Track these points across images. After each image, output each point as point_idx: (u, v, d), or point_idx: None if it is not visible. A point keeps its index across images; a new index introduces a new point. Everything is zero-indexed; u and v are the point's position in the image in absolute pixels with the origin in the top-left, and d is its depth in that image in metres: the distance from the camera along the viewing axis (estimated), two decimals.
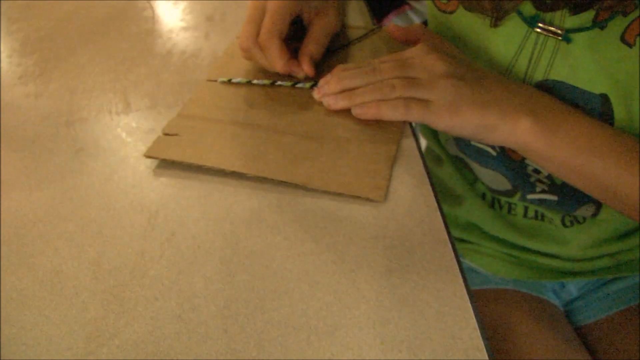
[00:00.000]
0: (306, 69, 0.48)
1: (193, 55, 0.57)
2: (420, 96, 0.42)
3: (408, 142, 0.44)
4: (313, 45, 0.50)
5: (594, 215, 0.55)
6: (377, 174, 0.41)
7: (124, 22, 0.64)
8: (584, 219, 0.56)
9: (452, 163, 0.63)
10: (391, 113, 0.43)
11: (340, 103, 0.45)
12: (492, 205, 0.62)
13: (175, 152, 0.43)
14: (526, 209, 0.59)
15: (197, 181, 0.42)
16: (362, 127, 0.45)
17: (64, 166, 0.46)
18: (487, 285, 0.65)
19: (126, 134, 0.48)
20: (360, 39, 0.54)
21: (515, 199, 0.58)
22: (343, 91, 0.45)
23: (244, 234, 0.38)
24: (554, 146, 0.40)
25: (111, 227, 0.40)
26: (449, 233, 0.38)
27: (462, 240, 0.66)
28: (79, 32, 0.63)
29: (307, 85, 0.49)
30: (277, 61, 0.47)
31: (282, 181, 0.41)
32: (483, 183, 0.60)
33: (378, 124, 0.45)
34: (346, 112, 0.45)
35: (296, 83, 0.49)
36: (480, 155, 0.56)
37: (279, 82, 0.49)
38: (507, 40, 0.46)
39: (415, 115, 0.42)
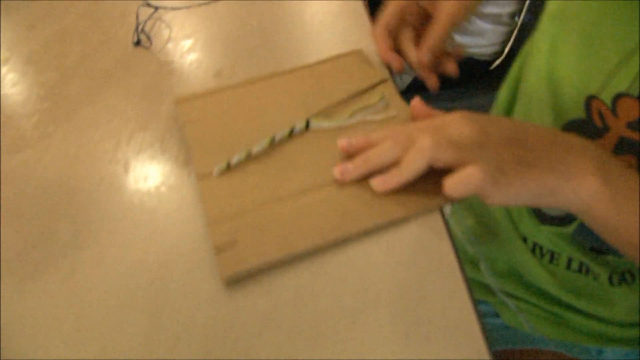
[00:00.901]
0: (420, 57, 0.50)
1: None
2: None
3: None
4: (432, 38, 0.50)
5: None
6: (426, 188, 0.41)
7: (128, 76, 0.60)
8: (633, 277, 0.51)
9: None
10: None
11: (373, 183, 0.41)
12: (532, 251, 0.57)
13: (249, 257, 0.38)
14: (569, 260, 0.55)
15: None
16: None
17: (62, 248, 0.42)
18: (527, 345, 0.60)
19: (127, 209, 0.44)
20: (370, 89, 0.51)
21: (569, 230, 0.52)
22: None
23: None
24: (621, 210, 0.36)
25: (114, 327, 0.36)
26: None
27: (502, 292, 0.61)
28: (82, 88, 0.59)
29: (303, 123, 0.47)
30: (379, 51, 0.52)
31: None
32: (532, 211, 0.55)
33: None
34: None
35: (292, 130, 0.46)
36: None
37: (277, 137, 0.46)
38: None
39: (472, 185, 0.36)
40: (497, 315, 0.63)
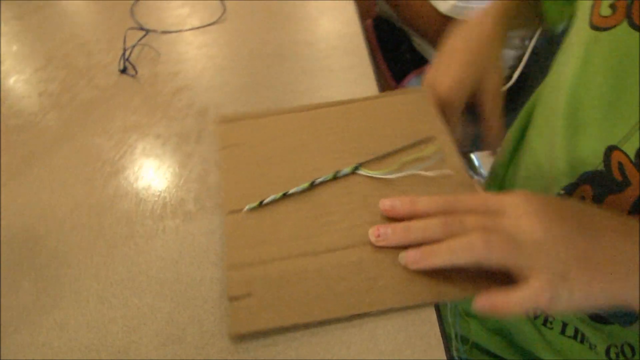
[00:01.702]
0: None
1: (181, 164, 0.50)
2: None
3: None
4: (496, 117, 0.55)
5: None
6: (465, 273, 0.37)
7: (111, 108, 0.57)
8: (633, 351, 0.48)
9: None
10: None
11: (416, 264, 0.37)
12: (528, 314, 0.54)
13: (263, 316, 0.35)
14: (564, 326, 0.52)
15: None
16: None
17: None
18: None
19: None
20: (410, 146, 0.46)
21: None
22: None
23: None
24: None
25: None
26: None
27: (487, 353, 0.58)
28: (62, 121, 0.57)
29: (349, 169, 0.43)
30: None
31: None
32: None
33: None
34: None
35: (337, 173, 0.43)
36: None
37: (318, 180, 0.43)
38: None
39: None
40: None
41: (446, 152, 0.45)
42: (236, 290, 0.37)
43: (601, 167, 0.42)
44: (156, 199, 0.46)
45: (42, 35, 0.71)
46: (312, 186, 0.42)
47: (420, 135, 0.46)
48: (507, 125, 0.65)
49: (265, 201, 0.42)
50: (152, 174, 0.49)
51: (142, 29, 0.68)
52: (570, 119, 0.44)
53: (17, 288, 0.41)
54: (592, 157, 0.43)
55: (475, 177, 1.33)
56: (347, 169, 0.43)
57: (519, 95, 1.08)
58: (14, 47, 0.69)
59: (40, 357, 0.37)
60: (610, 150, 0.41)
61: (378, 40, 1.15)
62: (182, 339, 0.37)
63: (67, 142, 0.54)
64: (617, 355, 0.49)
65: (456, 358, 0.46)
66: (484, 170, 1.38)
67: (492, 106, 0.54)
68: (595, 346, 0.49)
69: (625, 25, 0.38)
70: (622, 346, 0.48)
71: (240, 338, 0.36)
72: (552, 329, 0.52)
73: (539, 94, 0.58)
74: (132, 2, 0.76)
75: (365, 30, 1.13)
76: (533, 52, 1.01)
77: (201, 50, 0.65)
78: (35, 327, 0.39)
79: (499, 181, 0.63)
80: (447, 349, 0.35)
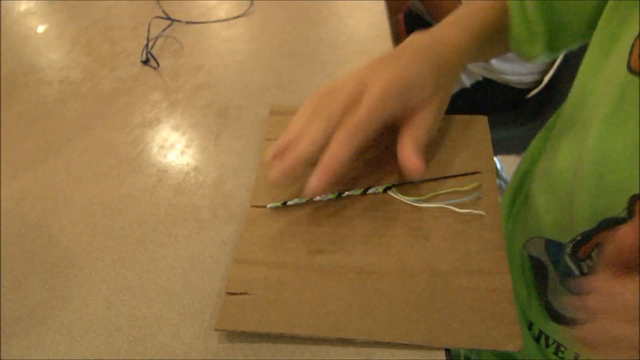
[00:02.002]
0: (418, 166, 0.39)
1: (196, 169, 0.49)
2: None
3: None
4: (414, 139, 0.40)
5: None
6: (505, 316, 0.35)
7: (131, 102, 0.57)
8: None
9: (516, 269, 0.55)
10: None
11: None
12: (537, 339, 0.53)
13: (252, 318, 0.35)
14: (577, 356, 0.50)
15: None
16: (463, 253, 0.38)
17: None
18: None
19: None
20: (452, 177, 0.44)
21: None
22: None
23: None
24: None
25: None
26: None
27: None
28: (80, 112, 0.56)
29: (380, 189, 0.42)
30: (342, 154, 0.37)
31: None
32: (544, 306, 0.51)
33: (474, 246, 0.38)
34: (439, 235, 0.39)
35: (368, 189, 0.42)
36: (567, 269, 0.47)
37: (347, 193, 0.41)
38: None
39: None
40: None
41: (486, 190, 0.42)
42: (235, 286, 0.37)
43: (624, 214, 0.40)
44: (170, 203, 0.46)
45: (70, 18, 0.70)
46: (339, 197, 0.41)
47: (467, 168, 0.44)
48: (532, 133, 0.62)
49: (289, 202, 0.41)
50: (167, 176, 0.48)
51: (168, 18, 0.67)
52: (598, 164, 0.42)
53: (27, 285, 0.41)
54: (616, 203, 0.41)
55: (497, 182, 1.30)
56: (378, 188, 0.42)
57: (546, 101, 1.05)
58: (42, 28, 0.69)
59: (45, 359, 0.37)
60: (635, 199, 0.39)
61: (408, 34, 1.13)
62: (188, 354, 0.36)
63: (84, 134, 0.54)
64: None
65: None
66: (506, 175, 1.35)
67: (410, 138, 0.41)
68: None
69: None
70: None
71: (225, 334, 0.36)
72: (563, 358, 0.51)
73: (559, 120, 0.54)
74: None
75: (396, 24, 1.10)
76: (564, 58, 0.98)
77: (225, 44, 0.64)
78: (42, 328, 0.38)
79: (521, 198, 0.61)
80: None
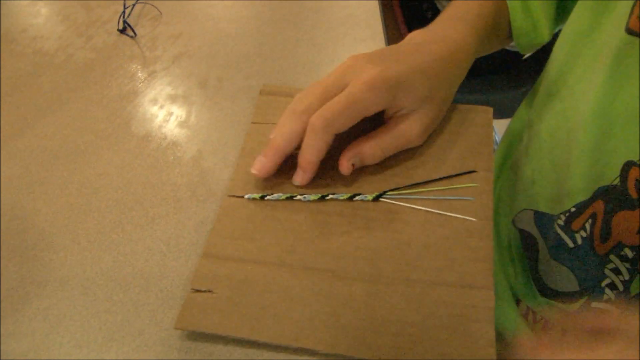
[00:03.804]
0: (344, 166, 0.38)
1: (174, 145, 0.47)
2: None
3: None
4: (372, 146, 0.39)
5: None
6: (481, 337, 0.32)
7: (107, 74, 0.54)
8: None
9: (504, 244, 0.54)
10: None
11: None
12: (525, 315, 0.53)
13: (213, 319, 0.34)
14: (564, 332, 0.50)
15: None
16: (445, 263, 0.36)
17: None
18: None
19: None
20: (450, 177, 0.41)
21: (576, 306, 0.48)
22: None
23: None
24: None
25: None
26: None
27: None
28: (55, 84, 0.54)
29: (370, 197, 0.39)
30: (308, 160, 0.38)
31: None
32: (535, 280, 0.50)
33: (460, 257, 0.36)
34: (420, 237, 0.37)
35: (355, 195, 0.39)
36: (559, 242, 0.46)
37: (331, 196, 0.39)
38: None
39: None
40: None
41: (480, 192, 0.39)
42: (200, 283, 0.36)
43: (617, 182, 0.39)
44: (147, 181, 0.44)
45: None
46: (323, 198, 0.39)
47: (463, 166, 0.41)
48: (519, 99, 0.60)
49: (267, 197, 0.40)
50: (144, 153, 0.46)
51: None
52: (594, 131, 0.40)
53: (1, 270, 0.40)
54: (609, 171, 0.39)
55: None
56: (368, 196, 0.39)
57: (542, 61, 1.03)
58: None
59: (20, 350, 0.36)
60: (629, 165, 0.38)
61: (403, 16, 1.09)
62: (166, 341, 0.35)
63: (59, 108, 0.52)
64: None
65: None
66: (498, 137, 1.34)
67: (368, 146, 0.40)
68: None
69: None
70: None
71: (185, 332, 0.35)
72: (550, 334, 0.50)
73: (541, 88, 0.52)
74: None
75: (393, 5, 1.06)
76: None
77: (205, 10, 0.61)
78: (18, 314, 0.37)
79: (507, 170, 0.59)
80: None
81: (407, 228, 0.38)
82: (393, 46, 0.42)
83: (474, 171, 0.41)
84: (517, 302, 0.52)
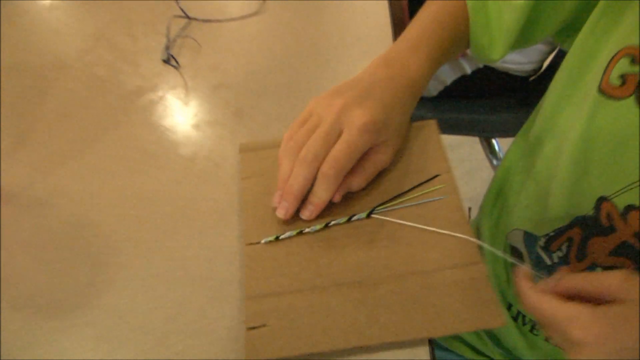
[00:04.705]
0: (337, 198, 0.46)
1: (216, 166, 0.55)
2: None
3: None
4: (359, 179, 0.48)
5: None
6: (487, 300, 0.41)
7: (153, 101, 0.62)
8: None
9: (499, 257, 0.61)
10: None
11: None
12: (515, 318, 0.60)
13: (276, 347, 0.40)
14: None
15: None
16: (439, 253, 0.44)
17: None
18: None
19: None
20: (418, 186, 0.49)
21: None
22: None
23: None
24: None
25: None
26: None
27: (475, 351, 0.65)
28: (109, 108, 0.62)
29: (364, 214, 0.47)
30: (321, 201, 0.46)
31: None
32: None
33: (443, 245, 0.45)
34: (413, 237, 0.45)
35: (352, 217, 0.47)
36: (539, 259, 0.54)
37: (333, 222, 0.47)
38: None
39: None
40: None
41: (448, 190, 0.48)
42: (253, 322, 0.42)
43: (592, 212, 0.46)
44: (192, 197, 0.52)
45: (92, 14, 0.75)
46: (326, 227, 0.47)
47: (428, 174, 0.50)
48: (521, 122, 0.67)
49: (281, 236, 0.46)
50: (189, 172, 0.55)
51: (186, 16, 0.72)
52: (573, 173, 0.48)
53: (76, 270, 0.48)
54: (585, 203, 0.47)
55: (495, 162, 1.36)
56: (362, 214, 0.47)
57: (548, 83, 1.10)
58: (64, 24, 0.74)
59: (94, 335, 0.44)
60: (602, 200, 0.45)
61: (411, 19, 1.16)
62: (212, 332, 0.43)
63: (112, 130, 0.60)
64: None
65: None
66: (502, 153, 1.40)
67: (357, 178, 0.48)
68: None
69: (632, 100, 0.41)
70: None
71: (231, 329, 0.42)
72: (537, 335, 0.58)
73: (533, 130, 0.59)
74: None
75: (400, 10, 1.14)
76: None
77: (239, 44, 0.69)
78: (91, 307, 0.46)
79: (502, 198, 0.66)
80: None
81: (404, 235, 0.46)
82: (366, 81, 0.49)
83: (437, 175, 0.49)
84: (509, 306, 0.60)
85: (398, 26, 1.09)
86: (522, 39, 0.57)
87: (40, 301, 0.46)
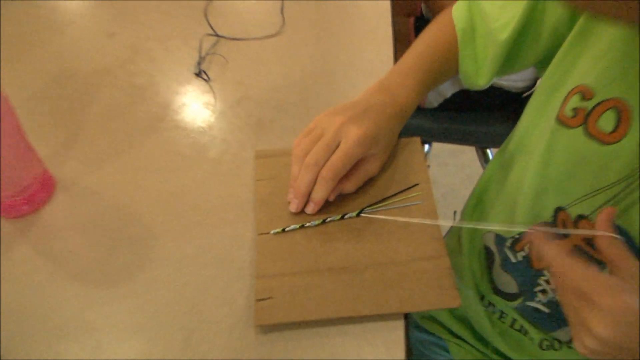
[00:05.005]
0: (331, 197, 0.57)
1: (238, 168, 0.66)
2: None
3: None
4: (351, 184, 0.58)
5: (571, 341, 0.63)
6: (447, 286, 0.52)
7: (185, 108, 0.73)
8: (560, 345, 0.64)
9: (475, 255, 0.71)
10: None
11: None
12: (487, 308, 0.71)
13: (279, 314, 0.51)
14: (514, 320, 0.68)
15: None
16: (413, 247, 0.55)
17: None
18: None
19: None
20: (400, 192, 0.60)
21: (515, 304, 0.66)
22: None
23: None
24: None
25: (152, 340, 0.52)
26: None
27: (451, 333, 0.75)
28: (148, 113, 0.73)
29: (354, 213, 0.58)
30: (320, 198, 0.56)
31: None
32: (489, 282, 0.68)
33: (417, 241, 0.55)
34: (393, 234, 0.56)
35: (344, 215, 0.58)
36: (506, 257, 0.64)
37: (329, 219, 0.58)
38: (620, 170, 0.49)
39: None
40: (447, 351, 0.77)
41: (425, 197, 0.59)
42: (262, 295, 0.52)
43: (551, 220, 0.57)
44: (219, 194, 0.63)
45: (133, 28, 0.86)
46: (324, 222, 0.58)
47: (409, 182, 0.60)
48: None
49: (287, 229, 0.57)
50: (216, 172, 0.65)
51: (216, 35, 0.83)
52: (535, 190, 0.58)
53: (119, 251, 0.59)
54: (545, 213, 0.57)
55: None
56: (353, 213, 0.58)
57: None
58: (106, 36, 0.85)
59: (136, 304, 0.54)
60: (558, 210, 0.56)
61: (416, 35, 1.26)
62: (232, 301, 0.54)
63: (152, 133, 0.71)
64: (547, 346, 0.65)
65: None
66: None
67: (350, 184, 0.58)
68: (533, 339, 0.65)
69: (581, 130, 0.51)
70: (552, 340, 0.64)
71: (262, 328, 0.52)
72: (504, 322, 0.68)
73: (507, 151, 0.69)
74: (206, 2, 0.89)
75: (406, 27, 1.24)
76: None
77: (261, 61, 0.80)
78: (132, 282, 0.56)
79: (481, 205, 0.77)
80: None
81: (385, 231, 0.57)
82: (363, 104, 0.59)
83: (417, 184, 0.60)
84: (482, 297, 0.70)
85: (403, 42, 1.19)
86: (504, 69, 0.67)
87: (91, 275, 0.57)
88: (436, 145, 1.78)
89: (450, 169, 1.87)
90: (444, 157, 1.91)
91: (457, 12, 0.68)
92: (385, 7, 0.87)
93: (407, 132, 1.31)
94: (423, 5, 1.27)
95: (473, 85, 0.69)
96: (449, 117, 1.22)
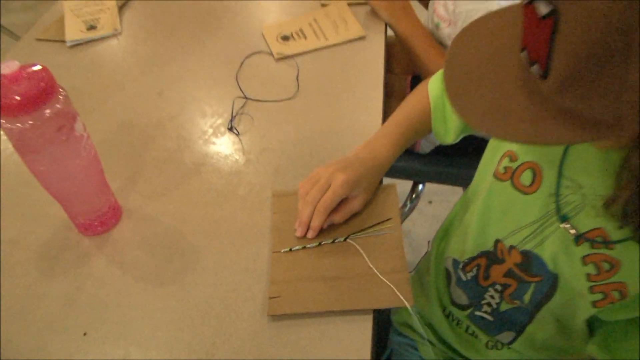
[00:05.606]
0: (324, 225, 0.79)
1: (260, 203, 0.88)
2: None
3: None
4: (339, 216, 0.79)
5: (510, 343, 0.82)
6: (404, 292, 0.70)
7: (221, 159, 0.96)
8: (502, 345, 0.84)
9: (439, 275, 0.92)
10: None
11: None
12: (447, 317, 0.91)
13: (285, 307, 0.70)
14: (467, 327, 0.88)
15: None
16: (382, 264, 0.74)
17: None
18: None
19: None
20: (376, 225, 0.81)
21: (466, 313, 0.86)
22: None
23: None
24: None
25: (184, 334, 0.73)
26: None
27: (421, 337, 0.95)
28: (186, 166, 0.96)
29: (342, 238, 0.79)
30: (316, 226, 0.77)
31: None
32: (449, 296, 0.89)
33: (386, 260, 0.75)
34: (369, 254, 0.75)
35: (335, 239, 0.79)
36: (459, 277, 0.84)
37: (323, 242, 0.79)
38: (537, 212, 0.66)
39: None
40: (416, 349, 0.97)
41: (394, 228, 0.80)
42: (273, 294, 0.72)
43: (492, 249, 0.77)
44: (246, 222, 0.85)
45: (174, 88, 1.10)
46: (319, 245, 0.78)
47: (384, 217, 0.82)
48: None
49: (293, 248, 0.78)
50: (244, 206, 0.87)
51: (245, 97, 1.06)
52: (479, 226, 0.78)
53: (172, 261, 0.81)
54: (488, 243, 0.77)
55: None
56: (341, 239, 0.79)
57: None
58: (157, 94, 1.09)
59: (183, 300, 0.76)
60: (497, 241, 0.76)
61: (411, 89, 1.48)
62: (253, 299, 0.75)
63: (194, 175, 0.93)
64: (492, 347, 0.85)
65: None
66: None
67: (338, 216, 0.79)
68: (481, 340, 0.85)
69: (509, 183, 0.72)
70: (495, 342, 0.84)
71: (273, 317, 0.72)
72: (460, 328, 0.88)
73: (465, 197, 0.90)
74: (237, 69, 1.13)
75: (403, 85, 1.46)
76: None
77: (280, 119, 1.02)
78: (181, 283, 0.78)
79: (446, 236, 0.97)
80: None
81: (362, 251, 0.77)
82: (351, 158, 0.80)
83: (389, 218, 0.80)
84: (444, 308, 0.90)
85: (398, 98, 1.41)
86: (467, 130, 0.89)
87: (150, 279, 0.79)
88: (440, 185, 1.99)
89: (451, 205, 2.07)
90: (446, 195, 2.12)
91: (433, 84, 0.90)
92: (379, 83, 1.10)
93: (403, 173, 1.52)
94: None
95: (443, 142, 0.91)
96: (438, 161, 1.41)
